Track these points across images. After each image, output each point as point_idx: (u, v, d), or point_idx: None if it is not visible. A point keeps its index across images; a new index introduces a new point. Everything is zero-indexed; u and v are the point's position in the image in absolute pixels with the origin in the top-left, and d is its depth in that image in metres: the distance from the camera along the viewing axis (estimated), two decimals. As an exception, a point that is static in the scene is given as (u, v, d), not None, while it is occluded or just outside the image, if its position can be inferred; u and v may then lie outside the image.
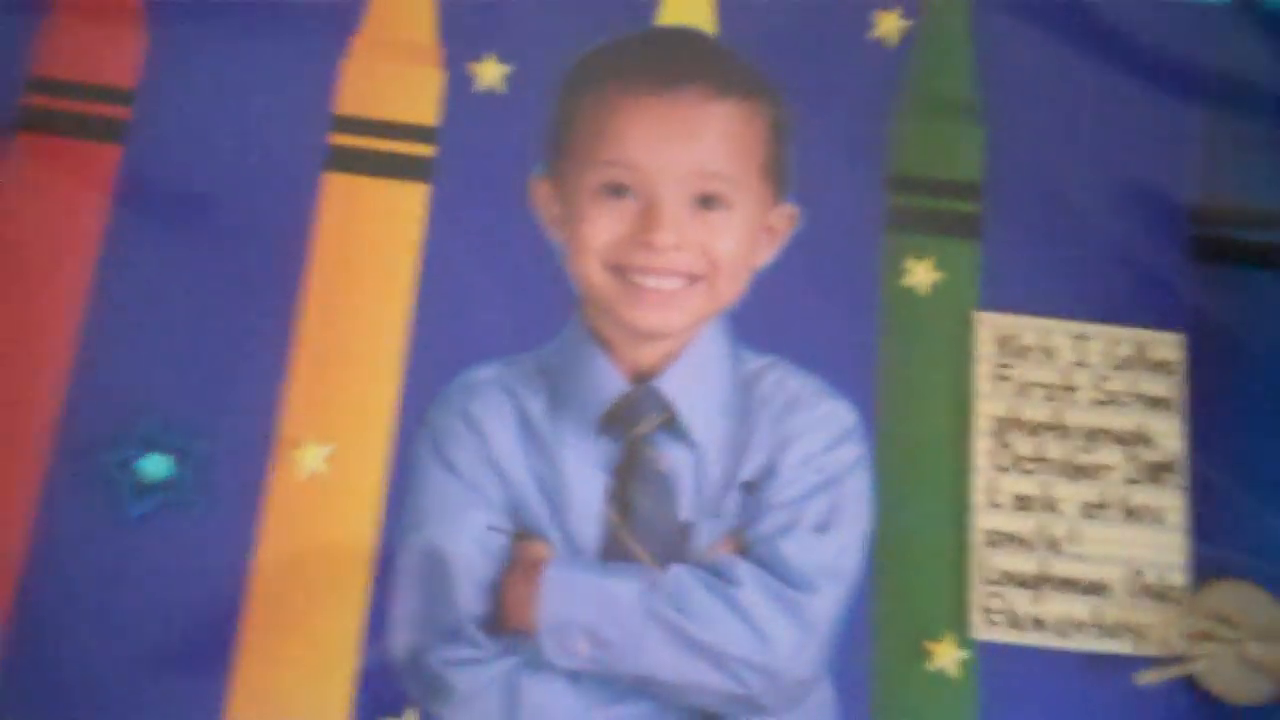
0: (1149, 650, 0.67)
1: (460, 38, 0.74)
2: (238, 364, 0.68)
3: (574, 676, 0.65)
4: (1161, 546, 0.69)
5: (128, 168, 0.71)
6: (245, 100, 0.72)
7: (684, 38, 0.76)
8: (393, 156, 0.72)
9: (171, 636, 0.64)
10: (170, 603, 0.64)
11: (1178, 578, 0.69)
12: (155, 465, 0.65)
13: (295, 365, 0.68)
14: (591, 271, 0.70)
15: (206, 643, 0.64)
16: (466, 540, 0.66)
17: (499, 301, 0.70)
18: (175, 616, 0.64)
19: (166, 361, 0.68)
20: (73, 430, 0.67)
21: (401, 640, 0.65)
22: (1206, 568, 0.69)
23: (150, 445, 0.66)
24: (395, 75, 0.73)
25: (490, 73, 0.74)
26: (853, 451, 0.69)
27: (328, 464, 0.67)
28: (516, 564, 0.66)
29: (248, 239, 0.70)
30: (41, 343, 0.68)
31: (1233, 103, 0.77)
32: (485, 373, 0.69)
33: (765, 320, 0.71)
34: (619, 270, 0.70)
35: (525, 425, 0.68)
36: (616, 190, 0.70)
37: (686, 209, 0.70)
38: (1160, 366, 0.73)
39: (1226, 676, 0.67)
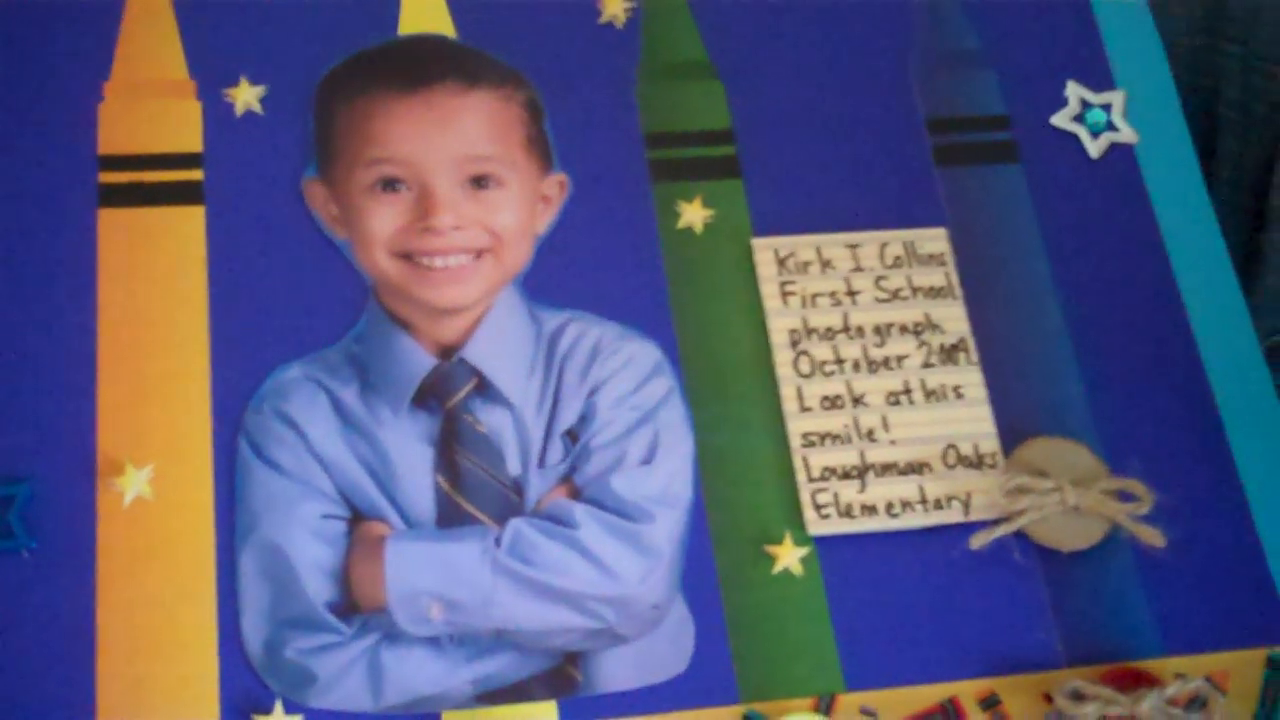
0: (977, 515, 0.70)
1: (210, 67, 0.75)
2: (45, 404, 0.67)
3: (434, 643, 0.65)
4: (968, 419, 0.73)
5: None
6: (11, 144, 0.72)
7: (428, 42, 0.78)
8: (163, 185, 0.72)
9: (27, 684, 0.62)
10: (19, 651, 0.63)
11: (990, 444, 0.72)
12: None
13: (102, 397, 0.67)
14: (380, 261, 0.72)
15: (64, 685, 0.62)
16: (303, 532, 0.66)
17: (292, 302, 0.71)
18: (27, 665, 0.62)
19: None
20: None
21: (255, 639, 0.64)
22: (1013, 432, 0.72)
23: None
24: (153, 112, 0.74)
25: (245, 95, 0.75)
26: (662, 385, 0.72)
27: (151, 486, 0.66)
28: (357, 545, 0.66)
29: (32, 281, 0.69)
30: None
31: (941, 26, 0.83)
32: (293, 371, 0.69)
33: (557, 280, 0.73)
34: (406, 256, 0.71)
35: (341, 413, 0.69)
36: (390, 184, 0.72)
37: (461, 191, 0.72)
38: (931, 259, 0.77)
39: (1053, 526, 0.70)
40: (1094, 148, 0.80)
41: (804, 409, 0.72)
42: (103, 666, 0.63)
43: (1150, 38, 0.84)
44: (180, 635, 0.64)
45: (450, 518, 0.67)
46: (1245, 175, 0.89)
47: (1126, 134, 0.81)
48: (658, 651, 0.66)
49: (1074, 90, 0.81)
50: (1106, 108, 0.81)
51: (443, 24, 0.79)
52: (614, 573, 0.67)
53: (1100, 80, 0.82)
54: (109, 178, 0.72)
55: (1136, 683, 0.67)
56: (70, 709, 0.62)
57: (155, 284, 0.70)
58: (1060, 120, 0.81)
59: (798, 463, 0.71)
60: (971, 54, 0.82)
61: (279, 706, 0.63)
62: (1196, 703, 0.66)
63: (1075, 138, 0.81)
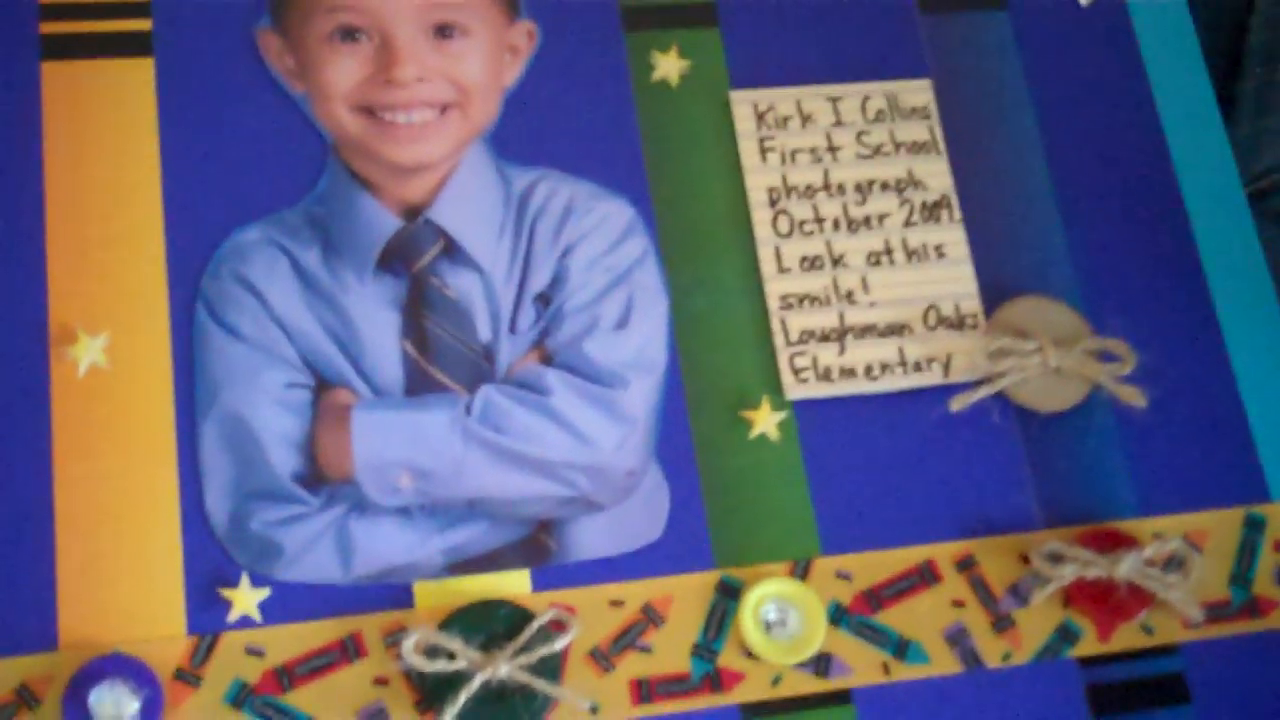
0: (957, 377, 0.69)
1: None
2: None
3: (403, 512, 0.63)
4: (950, 279, 0.71)
5: None
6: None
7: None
8: (108, 36, 0.69)
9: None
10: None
11: (971, 305, 0.70)
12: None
13: (52, 263, 0.65)
14: (340, 116, 0.69)
15: (22, 558, 0.61)
16: (267, 402, 0.64)
17: (249, 160, 0.68)
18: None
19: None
20: None
21: (220, 512, 0.62)
22: (996, 291, 0.71)
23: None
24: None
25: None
26: (637, 246, 0.69)
27: (106, 354, 0.63)
28: (323, 414, 0.64)
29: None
30: None
31: None
32: (251, 233, 0.67)
33: (526, 136, 0.71)
34: (368, 110, 0.69)
35: (303, 278, 0.66)
36: (349, 33, 0.69)
37: (424, 41, 0.69)
38: (915, 112, 0.74)
39: (1033, 387, 0.69)
40: (1084, -5, 0.78)
41: (782, 270, 0.70)
42: (62, 543, 0.61)
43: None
44: (141, 509, 0.62)
45: (419, 385, 0.65)
46: (1223, 19, 0.86)
47: (1117, -21, 0.78)
48: (632, 519, 0.65)
49: (1063, -67, 0.78)
50: (1097, -49, 0.78)
51: None
52: (588, 439, 0.65)
53: (1090, -78, 0.79)
54: (51, 28, 0.68)
55: (1115, 544, 0.66)
56: (30, 588, 0.60)
57: (104, 142, 0.67)
58: (1049, -36, 0.78)
59: (775, 325, 0.69)
60: (957, -106, 0.79)
61: (245, 579, 0.62)
62: (1174, 562, 0.66)
63: (1065, -16, 0.78)
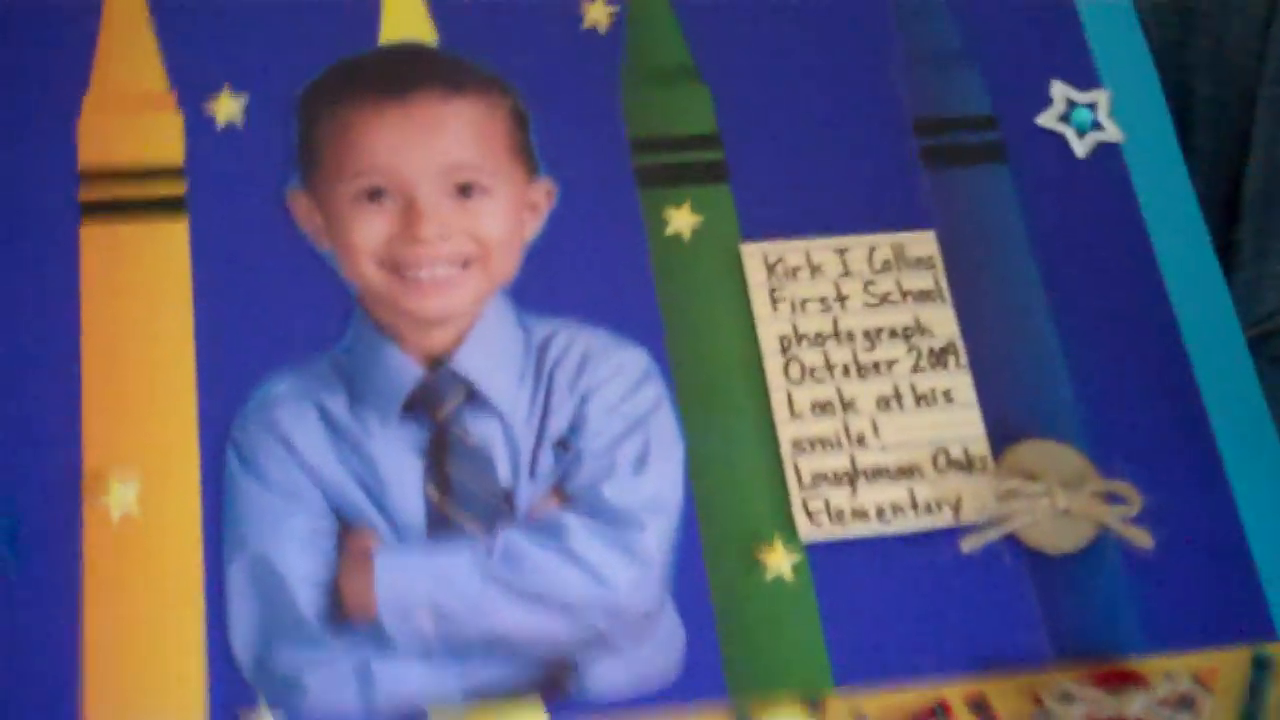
0: (967, 518, 0.70)
1: (190, 78, 0.75)
2: (29, 422, 0.67)
3: (424, 653, 0.65)
4: (958, 423, 0.73)
5: None
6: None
7: (409, 51, 0.78)
8: (145, 201, 0.72)
9: (12, 706, 0.62)
10: (3, 671, 0.62)
11: (979, 447, 0.72)
12: (-44, 535, 0.64)
13: (87, 413, 0.67)
14: (366, 272, 0.71)
15: (50, 707, 0.62)
16: (293, 546, 0.66)
17: (278, 313, 0.70)
18: (12, 686, 0.62)
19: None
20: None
21: (245, 652, 0.64)
22: (1002, 434, 0.73)
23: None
24: (133, 125, 0.73)
25: (227, 107, 0.74)
26: (652, 392, 0.71)
27: (139, 503, 0.66)
28: (346, 558, 0.66)
29: (14, 298, 0.69)
30: None
31: (925, 26, 0.83)
32: (281, 386, 0.69)
33: (545, 288, 0.73)
34: (393, 267, 0.71)
35: (329, 425, 0.68)
36: (374, 195, 0.72)
37: (446, 200, 0.72)
38: (920, 262, 0.77)
39: (1044, 529, 0.70)
40: (1080, 147, 0.81)
41: (794, 415, 0.72)
42: (90, 687, 0.62)
43: (1134, 35, 0.84)
44: (168, 651, 0.64)
45: (440, 528, 0.67)
46: (1221, 169, 0.89)
47: (1112, 133, 0.81)
48: (649, 659, 0.66)
49: (1059, 90, 0.81)
50: (1092, 106, 0.81)
51: (424, 31, 0.79)
52: (606, 580, 0.67)
53: (1085, 79, 0.82)
54: (90, 193, 0.72)
55: (1124, 682, 0.67)
56: (56, 731, 0.61)
57: (139, 299, 0.70)
58: (1046, 120, 0.81)
59: (789, 469, 0.71)
60: (956, 54, 0.82)
61: (264, 712, 0.63)
62: (1184, 702, 0.67)
63: (1061, 137, 0.81)
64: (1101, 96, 0.81)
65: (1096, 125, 0.81)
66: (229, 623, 0.64)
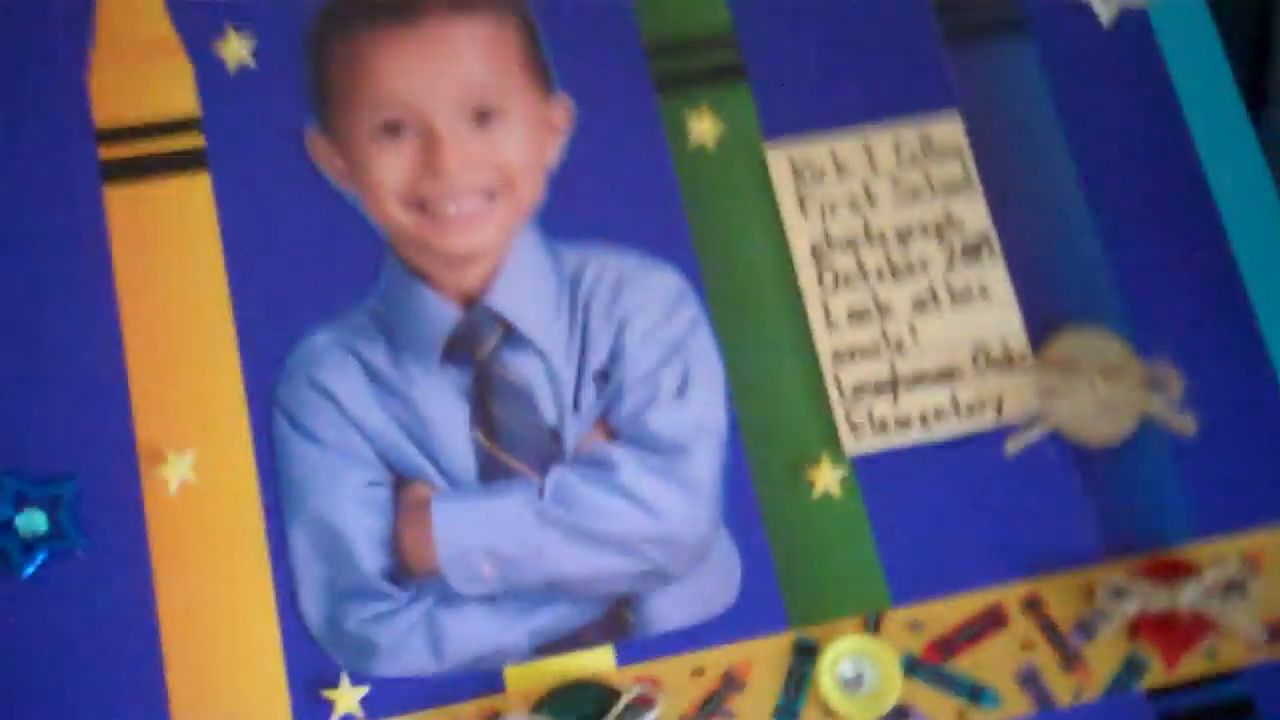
0: (1010, 418, 0.71)
1: (194, 22, 0.73)
2: (78, 397, 0.67)
3: (488, 599, 0.66)
4: (996, 321, 0.73)
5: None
6: (9, 128, 0.70)
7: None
8: (165, 155, 0.71)
9: (98, 686, 0.64)
10: (88, 652, 0.64)
11: (1018, 342, 0.72)
12: (31, 520, 0.64)
13: (134, 383, 0.67)
14: (392, 212, 0.71)
15: (134, 682, 0.64)
16: (350, 504, 0.67)
17: (311, 263, 0.70)
18: (96, 666, 0.64)
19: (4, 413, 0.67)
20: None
21: (315, 614, 0.65)
22: (1041, 325, 0.73)
23: (21, 502, 0.65)
24: (144, 76, 0.72)
25: (236, 49, 0.73)
26: (688, 314, 0.71)
27: (195, 471, 0.66)
28: (403, 510, 0.67)
29: (47, 271, 0.69)
30: None
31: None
32: (320, 338, 0.69)
33: (572, 214, 0.73)
34: (419, 204, 0.71)
35: (372, 376, 0.69)
36: (392, 129, 0.71)
37: (465, 128, 0.71)
38: (948, 151, 0.76)
39: (1086, 421, 0.71)
40: (1105, 14, 0.78)
41: (831, 325, 0.72)
42: (170, 659, 0.64)
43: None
44: (241, 616, 0.65)
45: (492, 472, 0.68)
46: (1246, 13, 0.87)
47: (1137, -2, 0.79)
48: (706, 586, 0.67)
49: (1082, -43, 0.79)
50: (1115, -31, 0.79)
51: None
52: (658, 511, 0.68)
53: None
54: (109, 152, 0.71)
55: (1175, 572, 0.68)
56: (143, 705, 0.63)
57: (171, 258, 0.70)
58: (1069, -12, 0.79)
59: (829, 381, 0.71)
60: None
61: (345, 678, 0.65)
62: (1234, 587, 0.68)
63: (1087, 6, 0.79)
64: (1125, -41, 0.79)
65: (1121, -12, 0.79)
66: (297, 585, 0.66)
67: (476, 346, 0.70)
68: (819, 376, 0.71)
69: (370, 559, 0.66)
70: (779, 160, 0.74)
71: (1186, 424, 0.71)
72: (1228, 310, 0.74)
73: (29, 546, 0.64)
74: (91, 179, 0.70)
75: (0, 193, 0.69)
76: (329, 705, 0.64)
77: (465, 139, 0.71)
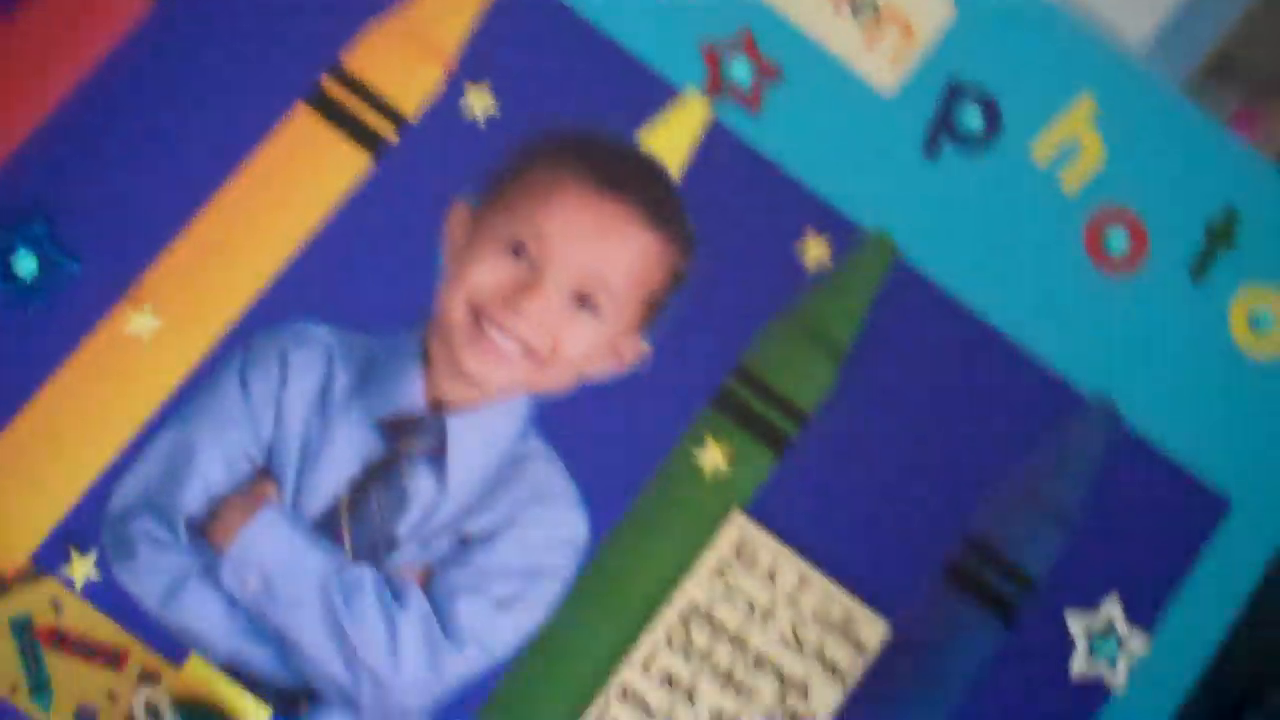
0: None
1: (472, 62, 0.81)
2: (136, 218, 0.77)
3: (232, 601, 0.74)
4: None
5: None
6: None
7: (649, 165, 0.81)
8: (360, 121, 0.80)
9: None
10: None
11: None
12: (25, 263, 0.75)
13: (178, 244, 0.77)
14: (454, 306, 0.78)
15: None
16: (218, 451, 0.76)
17: (368, 286, 0.78)
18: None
19: (86, 177, 0.77)
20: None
21: (121, 497, 0.74)
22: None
23: (30, 244, 0.75)
24: (404, 62, 0.81)
25: (479, 101, 0.81)
26: (564, 561, 0.78)
27: (150, 334, 0.76)
28: (243, 492, 0.75)
29: (214, 114, 0.78)
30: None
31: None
32: (318, 331, 0.78)
33: (566, 421, 0.79)
34: (476, 313, 0.78)
35: (322, 391, 0.77)
36: (518, 250, 0.78)
37: (563, 296, 0.78)
38: (855, 644, 0.80)
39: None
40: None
41: (644, 666, 0.78)
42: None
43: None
44: (84, 439, 0.75)
45: (326, 527, 0.76)
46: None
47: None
48: (372, 747, 0.74)
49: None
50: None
51: (676, 161, 0.82)
52: (399, 663, 0.75)
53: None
54: (330, 84, 0.80)
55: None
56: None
57: (286, 189, 0.78)
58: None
59: (596, 706, 0.77)
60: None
61: (94, 555, 0.74)
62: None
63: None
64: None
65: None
66: (134, 465, 0.75)
67: (407, 439, 0.77)
68: (593, 696, 0.77)
69: (193, 500, 0.75)
70: (734, 526, 0.80)
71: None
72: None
73: (8, 279, 0.75)
74: (300, 88, 0.80)
75: (233, 45, 0.79)
76: (67, 559, 0.73)
77: (556, 303, 0.77)
